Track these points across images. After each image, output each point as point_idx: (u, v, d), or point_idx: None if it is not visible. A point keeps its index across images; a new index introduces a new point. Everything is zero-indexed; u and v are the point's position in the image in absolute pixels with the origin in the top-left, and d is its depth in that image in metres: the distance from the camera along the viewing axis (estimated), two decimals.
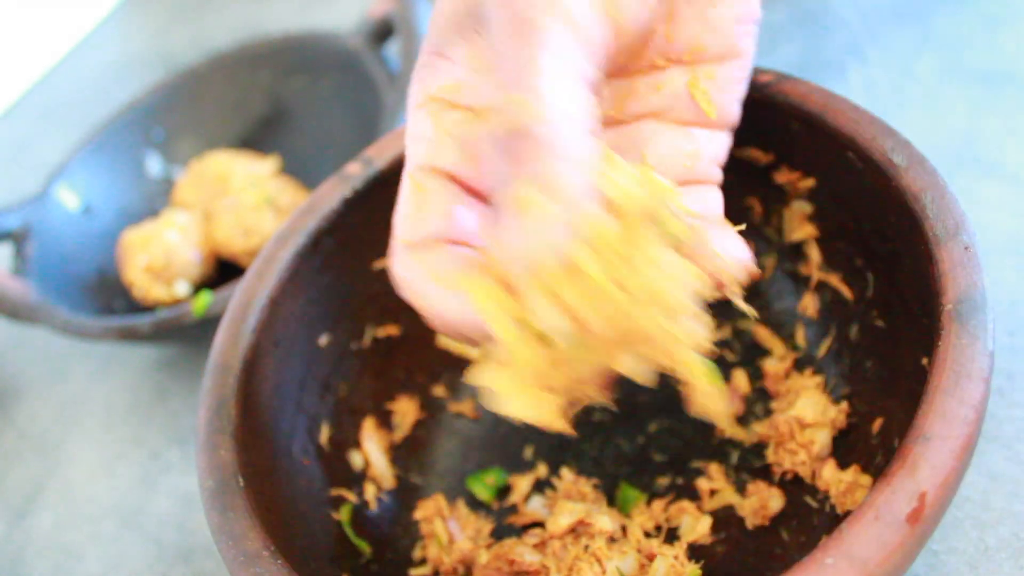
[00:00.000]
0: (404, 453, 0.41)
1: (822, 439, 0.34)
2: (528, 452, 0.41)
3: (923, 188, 0.30)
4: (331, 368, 0.40)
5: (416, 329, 0.42)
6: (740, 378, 0.39)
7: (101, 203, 0.63)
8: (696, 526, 0.35)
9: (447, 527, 0.37)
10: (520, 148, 0.23)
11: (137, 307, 0.57)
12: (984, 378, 0.25)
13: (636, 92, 0.32)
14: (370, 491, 0.39)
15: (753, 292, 0.41)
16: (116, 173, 0.65)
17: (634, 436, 0.40)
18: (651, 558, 0.33)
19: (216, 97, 0.68)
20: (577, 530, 0.35)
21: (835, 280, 0.37)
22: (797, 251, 0.39)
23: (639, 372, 0.26)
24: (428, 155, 0.29)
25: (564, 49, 0.25)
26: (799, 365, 0.38)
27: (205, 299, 0.48)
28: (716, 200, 0.31)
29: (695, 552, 0.35)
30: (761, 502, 0.35)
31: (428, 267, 0.28)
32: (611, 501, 0.38)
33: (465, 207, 0.29)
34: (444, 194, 0.28)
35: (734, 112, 0.32)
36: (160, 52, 0.89)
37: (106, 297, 0.58)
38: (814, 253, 0.38)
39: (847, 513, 0.32)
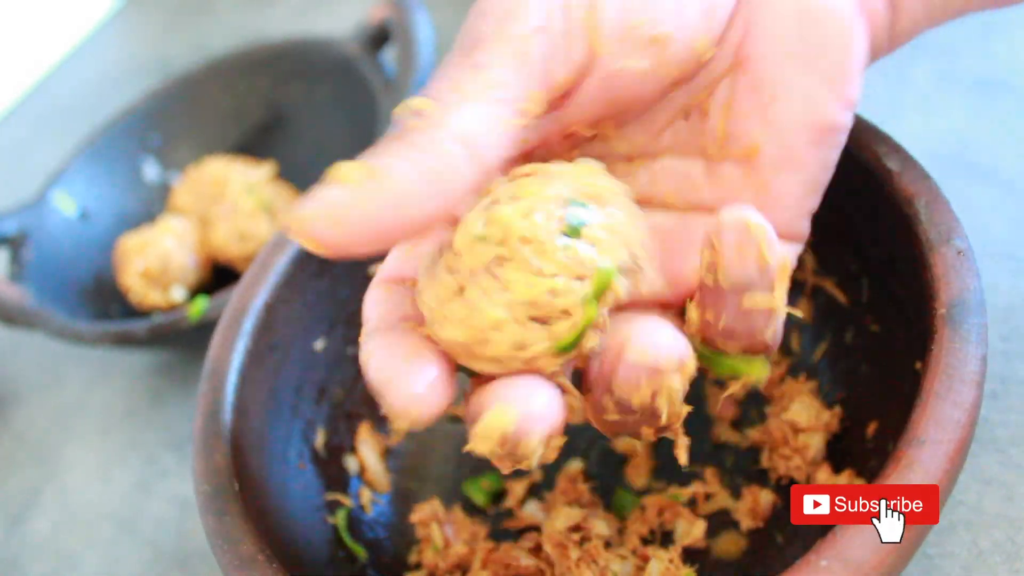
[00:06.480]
0: (400, 457, 0.41)
1: (816, 444, 0.34)
2: None
3: (916, 193, 0.30)
4: (327, 373, 0.40)
5: None
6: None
7: (98, 208, 0.63)
8: (691, 530, 0.35)
9: (443, 531, 0.37)
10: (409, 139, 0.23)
11: (133, 312, 0.57)
12: (977, 382, 0.25)
13: (692, 180, 0.29)
14: (366, 495, 0.39)
15: None
16: (113, 179, 0.65)
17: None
18: (646, 560, 0.33)
19: (213, 103, 0.68)
20: (573, 534, 0.35)
21: (829, 285, 0.37)
22: None
23: None
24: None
25: (498, 74, 0.24)
26: (793, 370, 0.38)
27: (201, 304, 0.48)
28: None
29: (690, 555, 0.35)
30: (755, 505, 0.35)
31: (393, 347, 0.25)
32: (607, 505, 0.38)
33: None
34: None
35: (798, 228, 0.29)
36: (157, 58, 0.89)
37: (102, 302, 0.58)
38: (808, 258, 0.38)
39: None
